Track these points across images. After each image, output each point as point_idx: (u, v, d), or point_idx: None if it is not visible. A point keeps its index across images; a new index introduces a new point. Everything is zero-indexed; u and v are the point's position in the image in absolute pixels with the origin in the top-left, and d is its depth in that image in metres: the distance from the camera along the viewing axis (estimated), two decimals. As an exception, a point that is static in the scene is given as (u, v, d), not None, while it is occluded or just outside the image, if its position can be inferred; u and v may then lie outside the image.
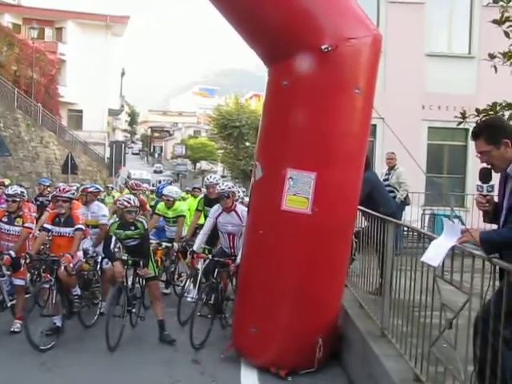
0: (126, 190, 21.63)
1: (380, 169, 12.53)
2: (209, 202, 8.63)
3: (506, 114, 7.00)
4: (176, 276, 9.64)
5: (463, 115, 7.21)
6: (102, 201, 12.33)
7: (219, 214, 7.44)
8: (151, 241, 8.62)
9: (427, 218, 13.71)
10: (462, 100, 11.94)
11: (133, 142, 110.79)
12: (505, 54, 6.87)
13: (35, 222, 8.16)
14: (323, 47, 5.41)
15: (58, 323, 6.89)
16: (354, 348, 5.85)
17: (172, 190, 9.53)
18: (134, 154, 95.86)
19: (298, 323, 5.91)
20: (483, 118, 6.93)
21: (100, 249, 7.76)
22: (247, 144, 47.71)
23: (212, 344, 6.81)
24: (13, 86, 30.77)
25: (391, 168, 9.98)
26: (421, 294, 4.33)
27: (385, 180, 9.79)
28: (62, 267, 6.75)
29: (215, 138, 58.18)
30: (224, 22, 6.04)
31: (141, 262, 6.94)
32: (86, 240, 7.75)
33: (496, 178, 3.66)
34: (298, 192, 5.72)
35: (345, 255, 6.26)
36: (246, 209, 6.96)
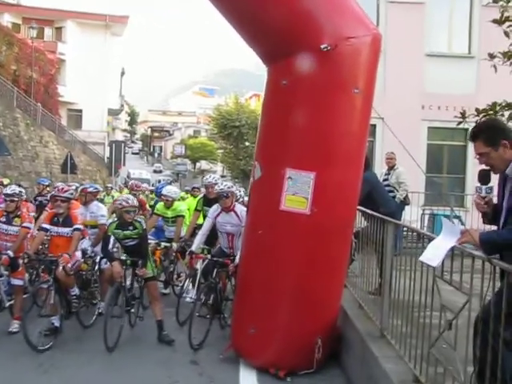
0: (126, 190, 21.61)
1: (380, 169, 12.52)
2: (208, 201, 8.60)
3: (506, 113, 6.99)
4: (175, 276, 9.62)
5: (463, 115, 7.20)
6: (102, 200, 12.33)
7: (218, 214, 7.41)
8: (150, 241, 8.60)
9: (427, 217, 13.69)
10: (462, 100, 11.92)
11: (133, 142, 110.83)
12: (505, 54, 6.87)
13: (34, 221, 8.14)
14: (322, 46, 5.39)
15: (56, 323, 6.86)
16: (353, 349, 5.82)
17: (171, 190, 9.51)
18: (133, 153, 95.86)
19: (297, 323, 5.89)
20: (483, 118, 6.92)
21: (98, 249, 7.74)
22: (247, 144, 47.71)
23: (211, 344, 6.79)
24: (12, 85, 30.76)
25: (391, 168, 9.97)
26: (420, 294, 4.31)
27: (384, 180, 9.78)
28: (60, 267, 6.72)
29: (215, 137, 58.21)
30: (223, 21, 6.01)
31: (139, 262, 6.92)
32: (84, 240, 7.72)
33: (495, 179, 3.64)
34: (297, 192, 5.69)
35: (344, 255, 6.23)
36: (245, 209, 6.93)
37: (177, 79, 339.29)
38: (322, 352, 5.88)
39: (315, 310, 5.93)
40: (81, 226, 7.18)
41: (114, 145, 39.89)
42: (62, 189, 7.29)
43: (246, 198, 9.05)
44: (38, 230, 7.56)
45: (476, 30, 15.37)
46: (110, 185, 23.59)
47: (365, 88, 5.73)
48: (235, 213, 7.29)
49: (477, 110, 7.08)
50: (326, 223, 5.74)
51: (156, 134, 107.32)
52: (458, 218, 12.43)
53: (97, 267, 8.02)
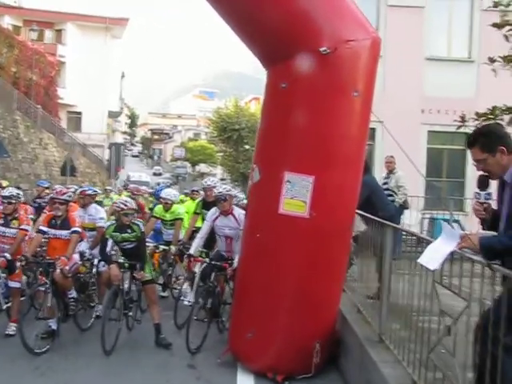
0: (125, 193, 21.61)
1: (379, 172, 12.50)
2: (206, 204, 8.57)
3: (506, 117, 6.97)
4: (173, 279, 9.59)
5: (463, 119, 7.19)
6: (100, 203, 12.30)
7: (216, 218, 7.38)
8: (148, 244, 8.58)
9: (426, 222, 13.68)
10: (462, 104, 11.92)
11: (132, 145, 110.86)
12: (504, 58, 6.86)
13: (33, 223, 8.12)
14: (322, 50, 5.37)
15: (54, 326, 6.82)
16: (351, 353, 5.79)
17: (170, 193, 9.48)
18: (133, 156, 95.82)
19: (295, 328, 5.86)
20: (482, 123, 6.90)
21: (96, 251, 7.71)
22: (246, 147, 47.65)
23: (208, 348, 6.75)
24: (12, 87, 30.75)
25: (390, 172, 9.96)
26: (419, 298, 4.28)
27: (384, 184, 9.77)
28: (58, 270, 6.69)
29: (215, 140, 58.18)
30: (223, 23, 6.00)
31: (137, 265, 6.89)
32: (82, 242, 7.69)
33: (494, 184, 3.62)
34: (296, 195, 5.66)
35: (343, 259, 6.20)
36: (244, 212, 6.90)
37: (176, 82, 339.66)
38: (321, 356, 5.85)
39: (313, 313, 5.90)
40: (79, 229, 7.16)
41: (113, 147, 39.90)
42: (61, 191, 7.28)
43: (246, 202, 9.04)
44: (36, 232, 7.54)
45: (476, 34, 15.38)
46: (109, 187, 23.58)
47: (364, 91, 5.71)
48: (233, 216, 7.26)
49: (477, 113, 7.07)
50: (325, 227, 5.72)
51: (156, 137, 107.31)
52: (458, 222, 12.43)
53: (95, 270, 7.99)
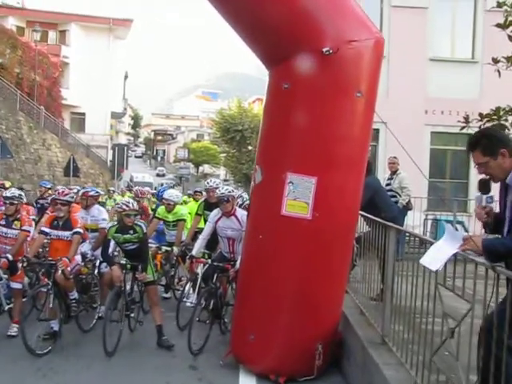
0: (128, 194, 21.65)
1: (382, 173, 12.47)
2: (209, 206, 8.55)
3: (510, 118, 6.94)
4: (176, 280, 9.58)
5: (466, 120, 7.16)
6: (103, 204, 12.31)
7: (219, 219, 7.35)
8: (151, 245, 8.57)
9: (430, 223, 13.64)
10: (466, 105, 11.88)
11: (136, 145, 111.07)
12: (508, 59, 6.82)
13: (35, 224, 8.11)
14: (324, 50, 5.33)
15: (55, 327, 6.82)
16: (354, 356, 5.76)
17: (173, 194, 9.45)
18: (136, 157, 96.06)
19: (297, 329, 5.83)
20: (486, 124, 6.87)
21: (99, 252, 7.70)
22: (250, 148, 47.63)
23: (210, 350, 6.74)
24: (15, 88, 30.79)
25: (393, 173, 9.94)
26: (422, 300, 4.26)
27: (387, 185, 9.74)
28: (59, 271, 6.68)
29: (218, 141, 58.19)
30: (226, 25, 5.98)
31: (139, 267, 6.88)
32: (84, 243, 7.70)
33: (496, 187, 3.60)
34: (298, 197, 5.63)
35: (345, 261, 6.18)
36: (246, 213, 6.88)
37: (180, 82, 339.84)
38: (323, 358, 5.82)
39: (316, 315, 5.87)
40: (81, 230, 7.14)
41: (116, 148, 39.97)
42: (63, 192, 7.27)
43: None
44: (38, 233, 7.53)
45: (479, 34, 15.34)
46: (112, 188, 23.61)
47: (367, 92, 5.67)
48: (236, 217, 7.24)
49: (480, 114, 7.04)
50: (328, 228, 5.69)
51: (159, 138, 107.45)
52: (461, 223, 12.39)
53: (96, 271, 7.97)
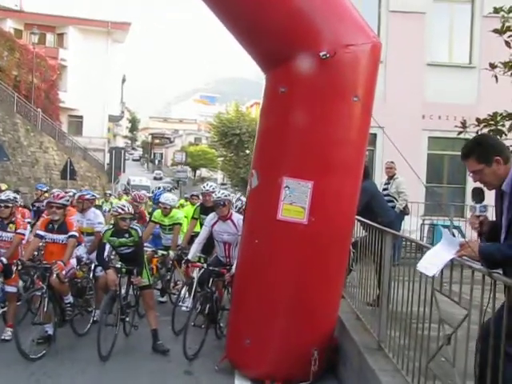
0: (125, 197, 21.62)
1: (380, 178, 12.47)
2: (205, 210, 8.53)
3: (507, 124, 6.93)
4: (172, 284, 9.53)
5: (464, 125, 7.14)
6: (100, 207, 12.28)
7: (215, 223, 7.32)
8: (147, 248, 8.54)
9: (426, 228, 13.63)
10: (463, 110, 11.87)
11: (133, 149, 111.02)
12: (505, 64, 6.83)
13: (31, 227, 8.07)
14: (321, 54, 5.32)
15: (50, 331, 6.77)
16: (350, 361, 5.73)
17: (169, 198, 9.42)
18: (134, 160, 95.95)
19: (293, 334, 5.80)
20: (483, 129, 6.87)
21: (94, 256, 7.66)
22: (247, 152, 47.70)
23: (206, 355, 6.70)
24: (13, 91, 30.76)
25: (391, 177, 9.94)
26: (419, 305, 4.23)
27: (384, 189, 9.74)
28: (54, 275, 6.63)
29: (215, 145, 58.23)
30: (224, 29, 5.95)
31: (134, 271, 6.84)
32: (80, 247, 7.66)
33: (491, 195, 3.58)
34: (295, 201, 5.61)
35: (342, 266, 6.15)
36: (242, 217, 6.85)
37: (178, 86, 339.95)
38: (319, 364, 5.78)
39: (312, 320, 5.84)
40: (76, 233, 7.10)
41: (114, 151, 39.98)
42: (58, 195, 7.22)
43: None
44: (34, 236, 7.48)
45: (477, 39, 15.36)
46: (108, 191, 23.59)
47: (364, 96, 5.65)
48: (232, 221, 7.21)
49: (477, 119, 7.03)
50: (324, 233, 5.66)
51: (157, 141, 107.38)
52: (458, 228, 12.38)
53: (91, 275, 7.93)
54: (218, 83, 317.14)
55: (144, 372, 6.26)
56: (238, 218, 7.20)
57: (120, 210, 6.92)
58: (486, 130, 6.96)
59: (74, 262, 7.25)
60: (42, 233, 7.05)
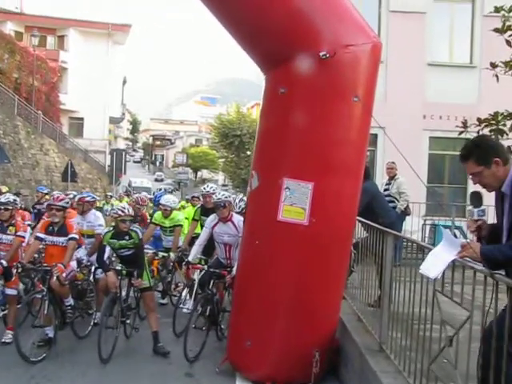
0: (126, 199, 21.61)
1: (381, 178, 12.44)
2: (205, 211, 8.51)
3: (508, 123, 6.91)
4: (173, 286, 9.51)
5: (465, 125, 7.12)
6: (101, 209, 12.27)
7: (215, 224, 7.30)
8: (148, 250, 8.51)
9: (428, 228, 13.59)
10: (464, 109, 11.83)
11: (134, 150, 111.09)
12: (506, 63, 6.80)
13: (31, 230, 8.04)
14: (321, 54, 5.30)
15: (50, 334, 6.74)
16: (351, 362, 5.70)
17: (169, 200, 9.38)
18: (135, 162, 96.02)
19: (294, 335, 5.77)
20: (484, 129, 6.84)
21: (94, 258, 7.63)
22: (248, 153, 47.74)
23: (207, 357, 6.67)
24: (13, 93, 30.77)
25: (392, 178, 9.92)
26: (420, 306, 4.20)
27: (385, 190, 9.72)
28: (55, 277, 6.61)
29: (216, 146, 58.33)
30: (225, 31, 5.93)
31: (135, 273, 6.81)
32: (80, 249, 7.64)
33: (490, 197, 3.57)
34: (295, 202, 5.58)
35: (343, 266, 6.12)
36: (243, 219, 6.82)
37: (179, 88, 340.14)
38: (320, 365, 5.75)
39: (313, 321, 5.82)
40: (76, 236, 7.07)
41: (115, 153, 39.99)
42: (58, 197, 7.20)
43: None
44: (34, 239, 7.46)
45: (477, 39, 15.33)
46: (109, 193, 23.58)
47: (364, 96, 5.63)
48: (232, 223, 7.19)
49: (478, 119, 7.01)
50: (325, 234, 5.64)
51: (158, 143, 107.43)
52: (459, 228, 12.34)
53: (92, 277, 7.91)
54: (218, 84, 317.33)
55: (145, 374, 6.24)
56: (238, 219, 7.18)
57: (120, 212, 6.90)
58: (487, 130, 6.94)
59: (74, 264, 7.22)
60: (41, 235, 7.03)
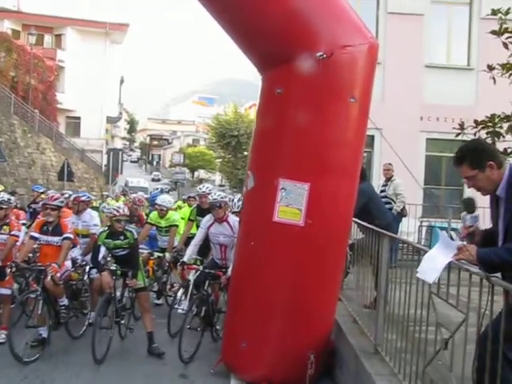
0: (122, 198, 21.57)
1: (377, 180, 12.43)
2: (201, 211, 8.48)
3: (505, 125, 6.89)
4: (168, 286, 9.48)
5: (461, 127, 7.10)
6: (97, 208, 12.21)
7: (211, 225, 7.28)
8: (143, 250, 8.48)
9: (424, 229, 13.59)
10: (461, 111, 11.84)
11: (131, 150, 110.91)
12: (503, 66, 6.78)
13: (27, 229, 8.00)
14: (318, 54, 5.28)
15: (44, 334, 6.70)
16: (346, 364, 5.68)
17: (165, 200, 9.36)
18: (132, 161, 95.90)
19: (289, 336, 5.75)
20: (481, 131, 6.83)
21: (89, 258, 7.60)
22: (245, 153, 47.64)
23: (201, 358, 6.64)
24: (10, 91, 30.69)
25: (388, 179, 9.91)
26: (416, 308, 4.18)
27: (382, 191, 9.70)
28: (49, 277, 6.57)
29: (213, 146, 58.26)
30: (223, 31, 5.90)
31: (129, 273, 6.78)
32: (74, 249, 7.60)
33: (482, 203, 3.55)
34: (291, 203, 5.55)
35: (339, 268, 6.10)
36: (239, 219, 6.80)
37: (176, 87, 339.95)
38: (315, 367, 5.72)
39: (308, 322, 5.79)
40: (71, 235, 7.04)
41: (111, 153, 39.85)
42: (52, 197, 7.16)
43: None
44: (28, 238, 7.42)
45: (475, 41, 15.35)
46: (106, 193, 23.52)
47: (361, 97, 5.61)
48: (228, 223, 7.16)
49: (475, 121, 6.99)
50: (321, 235, 5.61)
51: (155, 143, 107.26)
52: (456, 230, 12.33)
53: (86, 277, 7.87)
54: (216, 84, 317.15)
55: (139, 375, 6.20)
56: (234, 220, 7.16)
57: (115, 212, 6.87)
58: (483, 132, 6.93)
59: (68, 264, 7.19)
60: (36, 235, 7.00)
